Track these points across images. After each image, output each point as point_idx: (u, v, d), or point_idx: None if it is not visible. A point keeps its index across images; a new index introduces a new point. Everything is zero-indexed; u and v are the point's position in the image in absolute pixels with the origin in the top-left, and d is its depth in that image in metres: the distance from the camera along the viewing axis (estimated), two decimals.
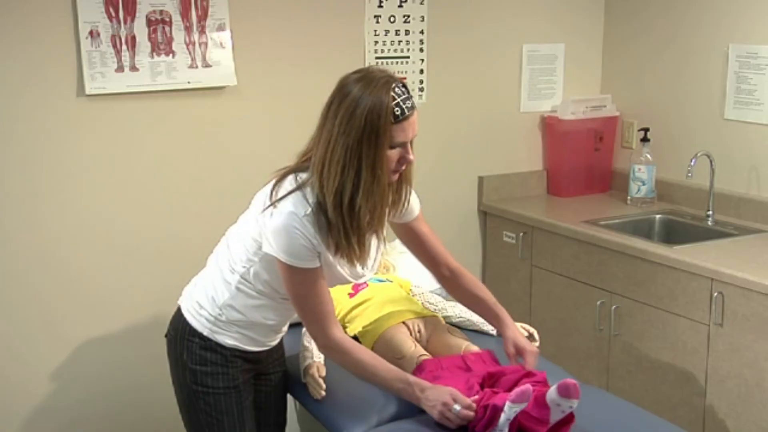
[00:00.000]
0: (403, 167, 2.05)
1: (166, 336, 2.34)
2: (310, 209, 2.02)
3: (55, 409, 3.13)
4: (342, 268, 2.12)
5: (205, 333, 2.22)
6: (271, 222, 2.03)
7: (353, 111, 1.94)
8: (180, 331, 2.26)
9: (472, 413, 2.04)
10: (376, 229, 2.10)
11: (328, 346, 2.15)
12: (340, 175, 1.97)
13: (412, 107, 2.00)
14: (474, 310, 2.46)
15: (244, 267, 2.16)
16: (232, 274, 2.19)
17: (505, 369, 2.23)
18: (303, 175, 2.06)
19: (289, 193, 2.04)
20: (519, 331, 2.35)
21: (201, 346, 2.23)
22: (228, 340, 2.23)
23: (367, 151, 1.95)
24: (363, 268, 2.17)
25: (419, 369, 2.26)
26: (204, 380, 2.23)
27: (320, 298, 2.10)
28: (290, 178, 2.08)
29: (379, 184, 1.99)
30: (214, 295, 2.22)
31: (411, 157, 2.03)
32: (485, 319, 2.44)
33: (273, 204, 2.04)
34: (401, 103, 1.96)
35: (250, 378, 2.32)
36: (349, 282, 2.21)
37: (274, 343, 2.35)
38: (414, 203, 2.27)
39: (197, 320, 2.23)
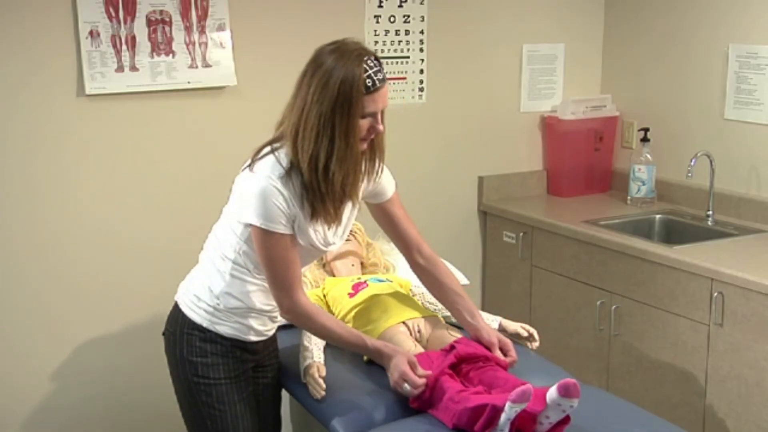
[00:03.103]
0: (372, 136, 2.12)
1: (163, 334, 2.35)
2: (284, 172, 2.09)
3: (54, 408, 3.13)
4: (315, 234, 2.18)
5: (205, 324, 2.25)
6: (248, 186, 2.11)
7: (327, 81, 2.02)
8: (179, 326, 2.28)
9: (418, 390, 2.16)
10: (351, 194, 2.16)
11: (293, 310, 2.20)
12: (314, 142, 2.04)
13: (383, 79, 2.08)
14: (446, 304, 2.49)
15: (235, 251, 2.20)
16: (224, 261, 2.23)
17: (488, 355, 2.29)
18: (277, 144, 2.15)
19: (264, 156, 2.13)
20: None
21: (201, 338, 2.25)
22: (228, 330, 2.26)
23: (340, 119, 2.03)
24: (334, 235, 2.25)
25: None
26: (205, 372, 2.26)
27: (290, 264, 2.15)
28: (267, 148, 2.16)
29: (352, 152, 2.07)
30: (211, 285, 2.25)
31: (381, 127, 2.11)
32: (456, 315, 2.46)
33: (251, 165, 2.13)
34: (372, 75, 2.04)
35: (249, 369, 2.35)
36: (320, 249, 2.25)
37: (271, 332, 2.39)
38: (387, 184, 2.35)
39: (196, 313, 2.26)
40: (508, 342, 2.38)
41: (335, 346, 2.38)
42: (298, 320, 2.24)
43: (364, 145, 2.13)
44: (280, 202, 2.09)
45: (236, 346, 2.29)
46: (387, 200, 2.37)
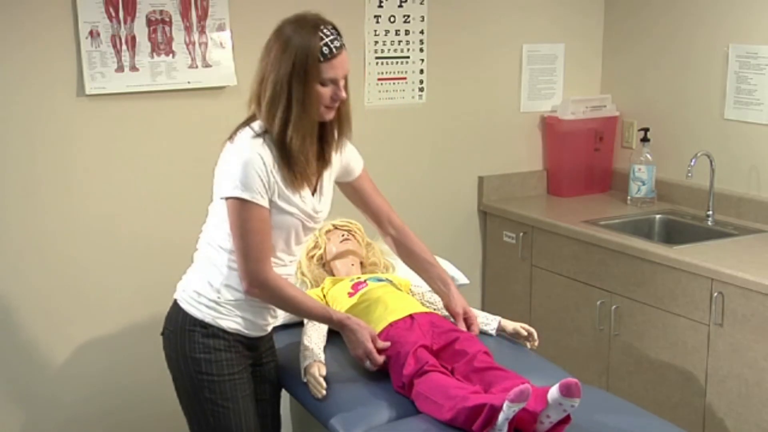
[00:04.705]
0: (337, 104, 2.19)
1: (162, 333, 2.35)
2: (260, 140, 2.16)
3: (54, 407, 3.13)
4: (303, 201, 2.22)
5: (207, 320, 2.25)
6: (228, 158, 2.18)
7: (284, 50, 2.11)
8: (180, 324, 2.28)
9: (377, 366, 2.31)
10: (309, 160, 2.19)
11: (265, 284, 2.21)
12: (271, 109, 2.13)
13: (341, 47, 2.15)
14: (420, 272, 2.59)
15: (230, 241, 2.21)
16: (220, 253, 2.24)
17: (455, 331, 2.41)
18: (251, 119, 2.23)
19: (240, 129, 2.21)
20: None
21: (203, 334, 2.25)
22: (230, 324, 2.26)
23: (296, 86, 2.11)
24: (319, 203, 2.29)
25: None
26: (209, 368, 2.26)
27: (264, 237, 2.18)
28: (242, 124, 2.23)
29: (308, 118, 2.13)
30: (210, 279, 2.26)
31: (343, 94, 2.18)
32: (429, 282, 2.58)
33: (230, 138, 2.20)
34: (329, 43, 2.12)
35: (248, 366, 2.35)
36: (312, 216, 2.27)
37: (270, 328, 2.40)
38: (356, 163, 2.44)
39: (197, 309, 2.26)
40: (473, 315, 2.52)
41: (335, 345, 2.38)
42: (267, 294, 2.23)
43: (330, 114, 2.20)
44: (260, 168, 2.13)
45: (238, 341, 2.29)
46: (357, 177, 2.45)
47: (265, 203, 2.16)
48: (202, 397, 2.27)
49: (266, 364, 2.44)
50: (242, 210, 2.14)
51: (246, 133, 2.18)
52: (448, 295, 2.53)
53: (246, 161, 2.13)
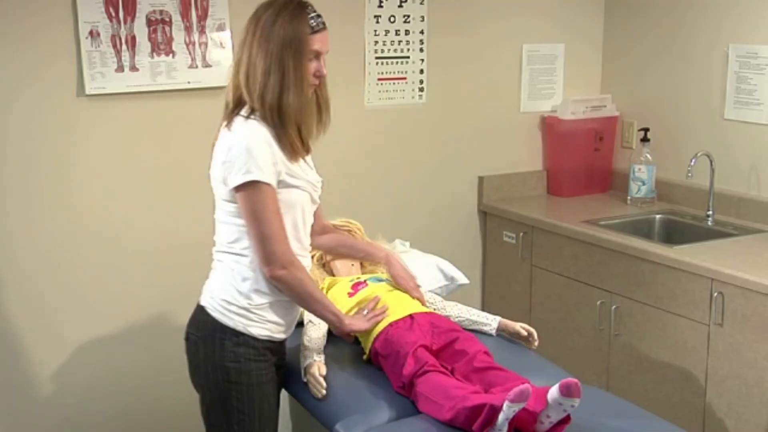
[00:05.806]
0: (317, 81, 2.22)
1: (186, 339, 2.32)
2: (254, 121, 2.17)
3: (54, 409, 3.13)
4: (305, 173, 2.25)
5: (239, 328, 2.23)
6: (229, 146, 2.16)
7: (272, 25, 2.14)
8: (209, 331, 2.25)
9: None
10: (299, 124, 2.19)
11: (290, 264, 2.19)
12: (263, 79, 2.14)
13: (324, 24, 2.21)
14: (354, 254, 2.66)
15: (246, 241, 2.20)
16: (241, 259, 2.21)
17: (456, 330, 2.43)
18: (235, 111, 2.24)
19: (233, 116, 2.20)
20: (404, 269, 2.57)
21: (234, 343, 2.23)
22: (261, 331, 2.25)
23: (288, 57, 2.13)
24: (314, 173, 2.31)
25: (377, 340, 2.39)
26: (237, 378, 2.24)
27: (280, 216, 2.18)
28: (231, 112, 2.24)
29: (302, 86, 2.16)
30: (237, 287, 2.23)
31: (324, 70, 2.22)
32: (357, 255, 2.65)
33: (227, 125, 2.19)
34: (315, 18, 2.19)
35: (274, 371, 2.34)
36: (316, 187, 2.30)
37: (293, 326, 2.38)
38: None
39: (228, 317, 2.23)
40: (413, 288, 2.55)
41: (335, 345, 2.38)
42: (293, 274, 2.19)
43: (311, 91, 2.22)
44: (265, 147, 2.13)
45: (267, 348, 2.28)
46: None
47: (273, 180, 2.15)
48: (228, 406, 2.25)
49: (281, 367, 2.43)
50: (257, 193, 2.13)
51: (239, 119, 2.18)
52: (386, 257, 2.54)
53: (249, 145, 2.13)
